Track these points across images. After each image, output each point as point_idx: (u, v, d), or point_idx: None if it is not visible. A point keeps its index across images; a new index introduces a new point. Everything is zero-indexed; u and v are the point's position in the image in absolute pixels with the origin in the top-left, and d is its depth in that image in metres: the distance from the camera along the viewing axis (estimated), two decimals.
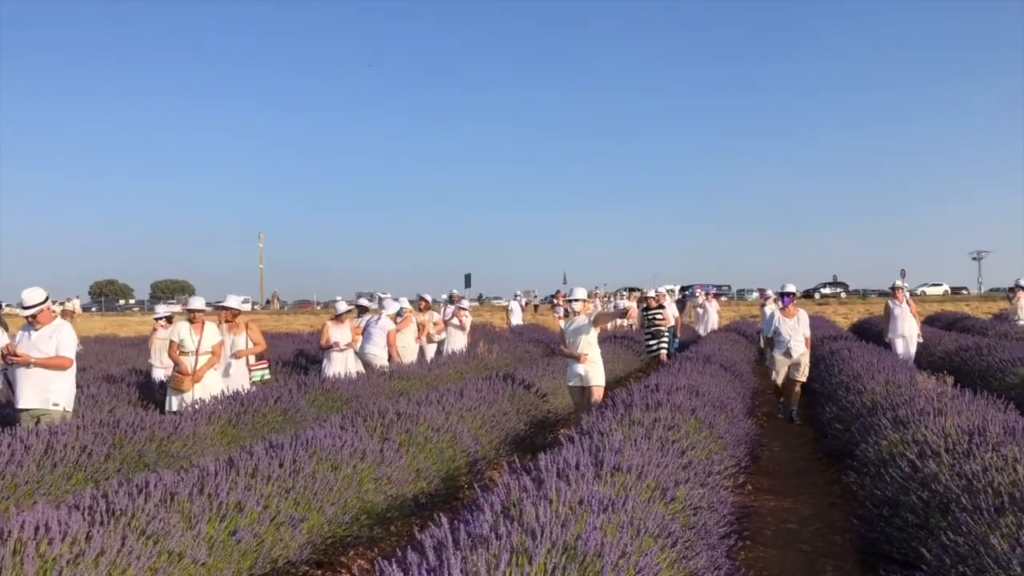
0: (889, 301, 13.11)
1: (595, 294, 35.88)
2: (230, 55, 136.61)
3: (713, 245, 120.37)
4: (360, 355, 12.27)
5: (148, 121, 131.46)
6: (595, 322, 8.39)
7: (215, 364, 8.30)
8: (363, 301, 13.10)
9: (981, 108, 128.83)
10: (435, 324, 14.33)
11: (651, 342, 14.07)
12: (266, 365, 9.77)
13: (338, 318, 11.16)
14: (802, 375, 10.38)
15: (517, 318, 23.48)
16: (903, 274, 68.10)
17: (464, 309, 15.05)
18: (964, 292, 67.29)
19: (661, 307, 14.46)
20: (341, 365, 10.78)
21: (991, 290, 64.60)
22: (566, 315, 8.74)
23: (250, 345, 9.29)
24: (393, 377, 10.67)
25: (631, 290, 37.70)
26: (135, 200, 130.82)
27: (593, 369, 8.32)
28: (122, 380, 10.23)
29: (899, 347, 12.47)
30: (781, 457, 8.18)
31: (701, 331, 24.72)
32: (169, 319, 10.74)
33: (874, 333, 19.56)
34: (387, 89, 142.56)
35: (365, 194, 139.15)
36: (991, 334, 15.04)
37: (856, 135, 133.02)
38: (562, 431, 8.82)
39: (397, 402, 7.04)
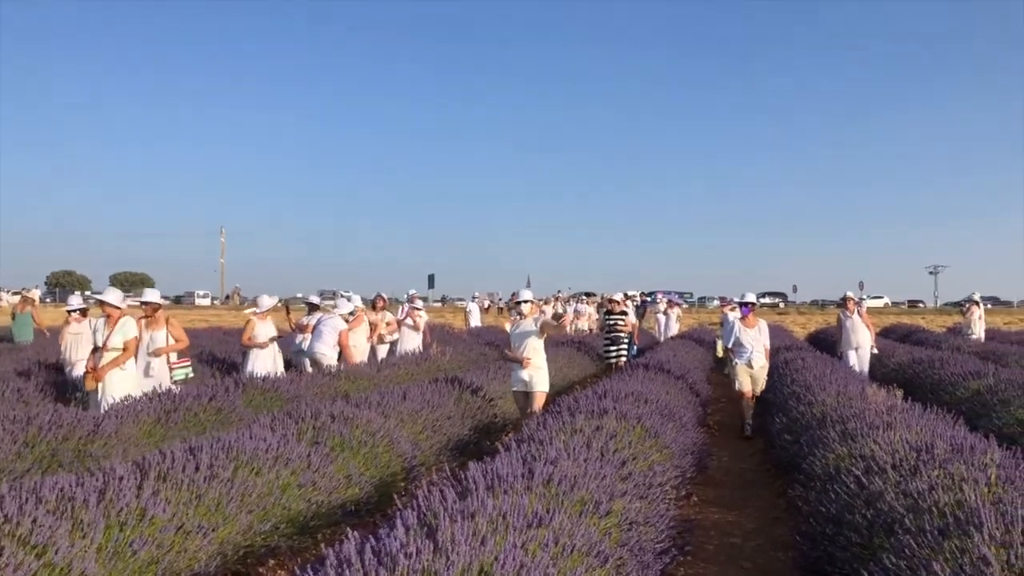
0: (840, 313, 12.91)
1: (558, 297, 35.77)
2: (193, 49, 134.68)
3: (677, 252, 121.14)
4: (309, 354, 11.94)
5: (111, 111, 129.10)
6: (541, 329, 8.17)
7: (122, 362, 7.62)
8: (313, 298, 12.74)
9: (940, 126, 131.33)
10: (388, 324, 14.01)
11: (610, 348, 13.87)
12: (188, 364, 9.24)
13: (262, 314, 10.68)
14: (759, 387, 10.14)
15: (476, 320, 23.21)
16: (862, 286, 68.85)
17: (418, 309, 14.75)
18: (921, 305, 68.41)
19: (623, 313, 14.28)
20: (264, 364, 10.29)
21: (946, 304, 65.69)
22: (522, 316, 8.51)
23: (171, 342, 8.87)
24: (339, 377, 10.36)
25: (588, 295, 37.56)
26: (96, 191, 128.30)
27: (537, 375, 8.12)
28: (45, 375, 9.80)
29: (851, 359, 12.26)
30: (730, 467, 8.02)
31: (660, 337, 24.72)
32: (84, 312, 10.29)
33: (829, 344, 19.66)
34: (352, 87, 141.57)
35: (333, 191, 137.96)
36: (944, 347, 15.12)
37: (819, 149, 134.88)
38: (509, 436, 8.62)
39: (335, 404, 6.75)
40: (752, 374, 10.04)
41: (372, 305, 14.41)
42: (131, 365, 7.80)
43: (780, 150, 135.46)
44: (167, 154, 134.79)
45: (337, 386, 9.94)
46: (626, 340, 13.88)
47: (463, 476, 4.19)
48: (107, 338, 7.57)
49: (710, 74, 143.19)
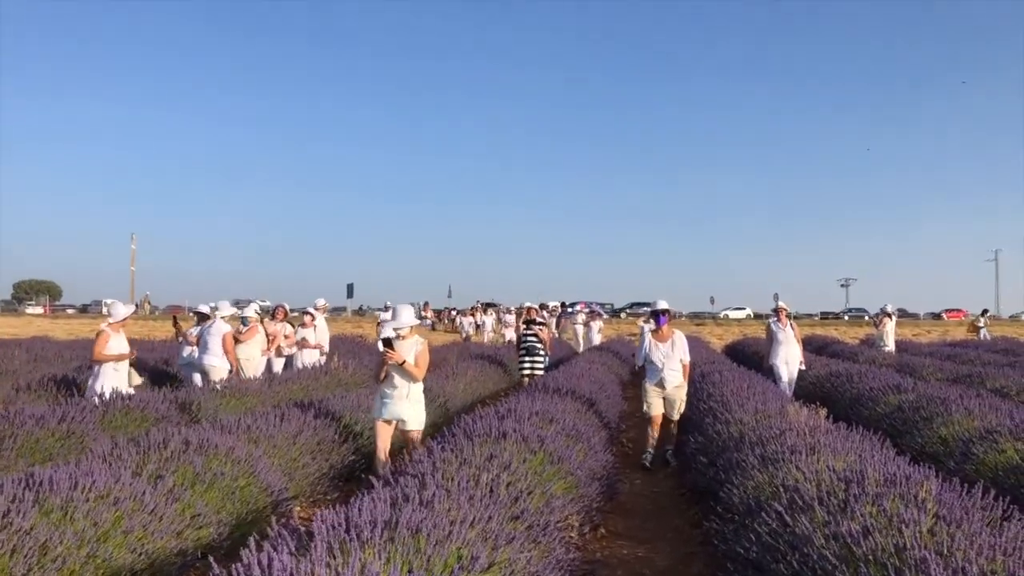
0: (771, 323, 11.99)
1: (476, 308, 35.06)
2: (103, 52, 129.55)
3: (597, 262, 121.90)
4: (198, 366, 10.97)
5: (18, 114, 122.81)
6: (417, 362, 6.76)
7: None
8: (202, 307, 11.72)
9: (851, 139, 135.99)
10: (287, 336, 13.06)
11: (524, 359, 13.23)
12: None
13: (116, 324, 9.16)
14: (677, 412, 8.67)
15: (389, 331, 22.28)
16: (776, 297, 70.04)
17: (309, 314, 13.80)
18: (832, 317, 70.08)
19: (541, 323, 13.66)
20: (113, 381, 8.88)
21: (850, 309, 67.36)
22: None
23: None
24: (226, 394, 9.42)
25: (489, 305, 36.93)
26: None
27: (413, 409, 6.78)
28: None
29: (781, 373, 11.49)
30: (642, 491, 7.42)
31: (579, 348, 24.27)
32: None
33: (747, 355, 19.50)
34: (270, 94, 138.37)
35: (250, 200, 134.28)
36: (862, 360, 14.96)
37: (732, 163, 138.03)
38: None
39: (193, 428, 5.88)
40: (666, 396, 8.61)
41: (272, 315, 13.46)
42: None
43: (698, 166, 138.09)
44: (75, 157, 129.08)
45: (225, 404, 9.02)
46: (542, 352, 13.27)
47: (325, 515, 3.42)
48: None
49: (623, 94, 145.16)
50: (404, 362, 6.64)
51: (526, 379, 12.91)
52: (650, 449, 8.57)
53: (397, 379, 6.70)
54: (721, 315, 64.21)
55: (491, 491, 4.24)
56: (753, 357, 18.50)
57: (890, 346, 18.41)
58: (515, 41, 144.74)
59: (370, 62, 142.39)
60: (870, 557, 3.16)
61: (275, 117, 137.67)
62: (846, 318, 61.68)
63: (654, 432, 8.62)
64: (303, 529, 3.29)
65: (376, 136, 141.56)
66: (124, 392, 8.47)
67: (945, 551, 3.05)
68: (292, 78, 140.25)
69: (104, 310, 11.46)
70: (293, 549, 3.03)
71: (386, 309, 23.74)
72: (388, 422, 6.74)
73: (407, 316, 7.01)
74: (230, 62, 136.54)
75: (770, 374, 11.46)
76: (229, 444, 5.58)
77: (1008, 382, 10.68)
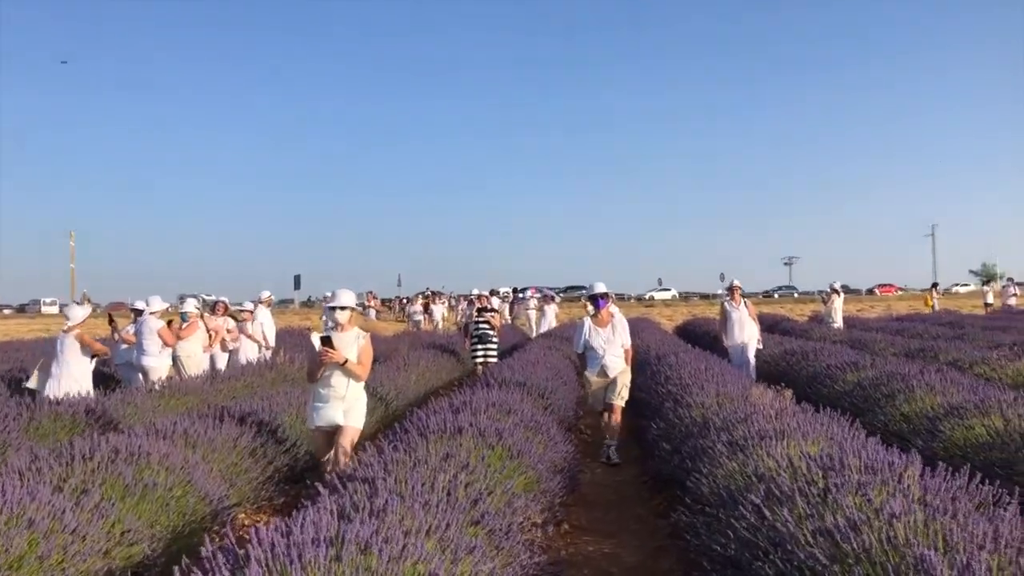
0: (725, 303, 11.58)
1: (427, 295, 34.58)
2: (32, 43, 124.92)
3: (546, 248, 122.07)
4: (137, 366, 10.44)
5: None
6: (360, 358, 6.00)
7: None
8: (139, 304, 11.13)
9: (796, 122, 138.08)
10: (230, 331, 12.53)
11: (477, 347, 12.92)
12: None
13: (73, 327, 8.67)
14: (619, 397, 8.03)
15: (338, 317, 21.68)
16: (723, 277, 70.84)
17: (250, 312, 13.27)
18: (775, 296, 71.10)
19: (492, 309, 13.34)
20: (71, 384, 8.41)
21: (780, 287, 68.40)
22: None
23: None
24: (164, 395, 8.93)
25: (434, 293, 36.38)
26: None
27: (354, 408, 6.02)
28: None
29: (737, 355, 11.18)
30: (603, 480, 7.18)
31: (533, 334, 24.01)
32: None
33: (698, 335, 19.45)
34: (211, 86, 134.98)
35: (193, 193, 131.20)
36: (816, 337, 14.96)
37: (678, 143, 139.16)
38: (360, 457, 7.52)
39: (121, 434, 5.44)
40: (608, 384, 8.05)
41: (212, 309, 12.90)
42: None
43: (643, 147, 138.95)
44: (6, 152, 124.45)
45: (163, 404, 8.54)
46: (495, 339, 12.97)
47: (263, 533, 3.06)
48: None
49: (570, 73, 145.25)
50: (346, 361, 5.87)
51: (480, 367, 12.62)
52: (610, 441, 8.00)
53: (335, 379, 5.91)
54: (647, 296, 64.56)
55: (448, 494, 3.92)
56: (705, 337, 18.46)
57: (839, 322, 18.54)
58: (446, 23, 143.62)
59: (306, 47, 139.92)
60: (863, 558, 2.93)
61: (214, 108, 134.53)
62: (776, 296, 62.47)
63: (607, 425, 8.07)
64: (240, 552, 2.93)
65: (320, 126, 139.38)
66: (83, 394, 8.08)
67: (942, 547, 2.82)
68: (230, 68, 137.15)
69: (41, 308, 10.86)
70: (227, 575, 2.68)
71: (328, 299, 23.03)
72: (324, 429, 6.00)
73: (347, 297, 6.27)
74: (166, 51, 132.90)
75: (727, 355, 11.21)
76: (163, 450, 5.16)
77: (961, 355, 10.69)
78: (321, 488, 3.96)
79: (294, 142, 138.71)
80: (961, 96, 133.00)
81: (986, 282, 35.83)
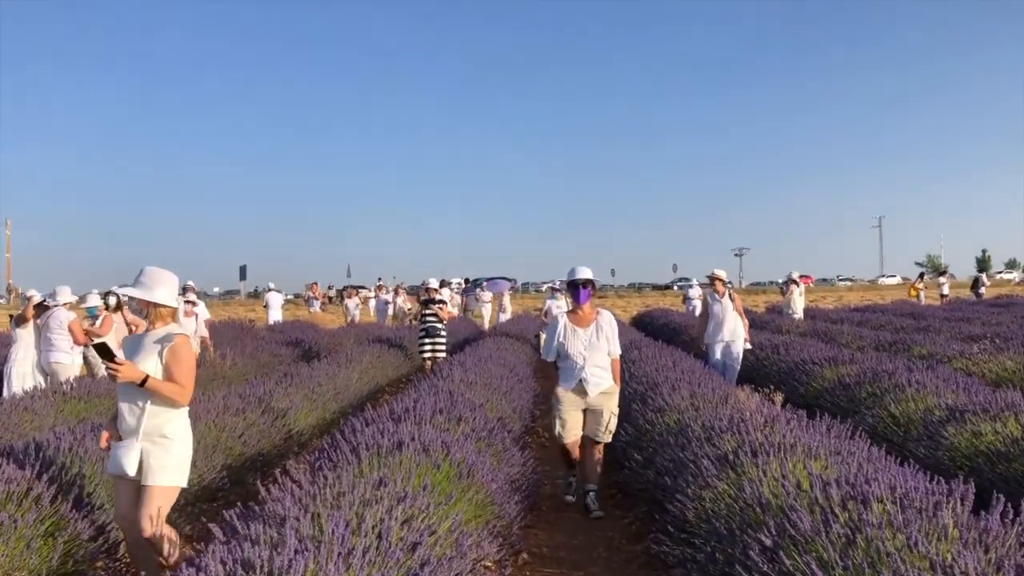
0: (707, 295, 10.01)
1: (380, 286, 33.39)
2: None
3: (500, 238, 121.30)
4: (44, 366, 9.40)
5: None
6: (170, 373, 3.83)
7: None
8: (37, 296, 9.99)
9: (745, 114, 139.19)
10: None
11: (425, 341, 12.05)
12: None
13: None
14: (606, 432, 5.85)
15: (276, 314, 20.63)
16: (675, 268, 70.85)
17: (192, 303, 12.21)
18: (730, 286, 71.31)
19: (440, 301, 12.45)
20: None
21: (678, 279, 68.33)
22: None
23: None
24: (72, 398, 7.92)
25: (355, 288, 34.30)
26: None
27: (157, 454, 3.82)
28: None
29: (719, 353, 9.65)
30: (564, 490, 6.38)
31: (486, 326, 23.19)
32: None
33: (657, 327, 18.84)
34: (158, 75, 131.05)
35: (137, 181, 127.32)
36: (781, 330, 14.37)
37: (630, 137, 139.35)
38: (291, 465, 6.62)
39: None
40: (589, 406, 5.81)
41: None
42: None
43: (595, 140, 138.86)
44: None
45: (70, 409, 7.55)
46: (443, 333, 12.12)
47: None
48: None
49: (524, 65, 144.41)
50: (146, 379, 3.74)
51: (428, 363, 11.77)
52: (571, 479, 6.11)
53: (127, 408, 3.84)
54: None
55: (380, 537, 3.09)
56: (664, 329, 17.87)
57: (799, 313, 18.11)
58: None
59: (259, 43, 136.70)
60: None
61: (162, 95, 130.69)
62: (675, 288, 62.27)
63: (574, 453, 5.95)
64: None
65: (269, 111, 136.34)
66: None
67: None
68: (175, 56, 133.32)
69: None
70: None
71: (269, 291, 21.86)
72: (123, 480, 3.88)
73: (163, 291, 3.92)
74: (101, 40, 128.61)
75: (704, 356, 9.75)
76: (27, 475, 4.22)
77: (936, 348, 10.16)
78: (217, 531, 3.08)
79: (244, 126, 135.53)
80: (909, 91, 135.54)
81: (941, 273, 36.04)
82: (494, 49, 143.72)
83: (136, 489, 3.83)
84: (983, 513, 3.04)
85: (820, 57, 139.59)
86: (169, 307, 3.94)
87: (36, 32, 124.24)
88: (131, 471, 3.78)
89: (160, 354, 3.84)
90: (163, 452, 3.81)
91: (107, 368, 3.74)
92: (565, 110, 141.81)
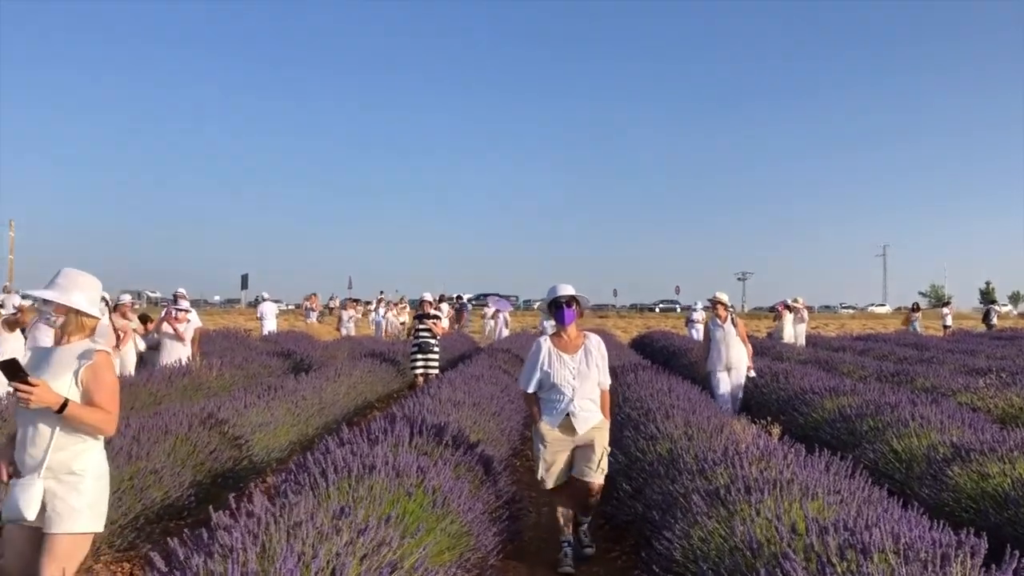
0: (709, 321, 9.64)
1: (380, 299, 33.14)
2: None
3: (503, 256, 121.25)
4: None
5: None
6: (90, 394, 3.15)
7: None
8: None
9: (753, 141, 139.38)
10: (135, 330, 11.22)
11: (417, 357, 11.82)
12: None
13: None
14: (599, 471, 5.03)
15: (271, 324, 20.37)
16: (678, 290, 70.43)
17: (183, 310, 11.94)
18: (732, 310, 71.01)
19: (435, 316, 12.23)
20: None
21: (661, 302, 68.07)
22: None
23: None
24: None
25: (355, 300, 34.17)
26: None
27: (68, 498, 3.12)
28: None
29: (723, 383, 9.28)
30: (552, 526, 6.09)
31: (484, 343, 22.95)
32: None
33: (655, 349, 18.55)
34: (166, 79, 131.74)
35: (144, 189, 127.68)
36: (777, 356, 14.09)
37: (635, 155, 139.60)
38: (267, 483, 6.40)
39: None
40: (576, 444, 5.04)
41: (114, 308, 11.53)
42: None
43: (597, 161, 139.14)
44: None
45: None
46: (437, 348, 11.89)
47: None
48: None
49: (527, 81, 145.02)
50: (66, 403, 3.03)
51: (420, 379, 11.53)
52: (567, 540, 5.12)
53: (29, 436, 3.11)
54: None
55: (334, 573, 2.82)
56: (662, 352, 17.58)
57: (798, 340, 17.79)
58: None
59: (252, 48, 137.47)
60: None
61: (165, 104, 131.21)
62: (657, 310, 61.90)
63: (566, 508, 5.16)
64: None
65: (278, 121, 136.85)
66: None
67: None
68: (174, 67, 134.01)
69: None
70: None
71: (263, 300, 21.65)
72: (19, 527, 3.13)
73: (81, 296, 3.26)
74: (103, 48, 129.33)
75: (709, 385, 9.41)
76: None
77: (940, 380, 9.86)
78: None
79: (249, 137, 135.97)
80: (920, 122, 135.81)
81: (944, 304, 35.72)
82: (502, 66, 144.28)
83: (35, 539, 3.09)
84: (993, 568, 2.79)
85: (832, 87, 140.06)
86: (92, 317, 3.27)
87: (37, 32, 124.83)
88: (30, 515, 3.04)
89: (76, 373, 3.13)
90: (72, 492, 3.09)
91: (16, 390, 2.98)
92: (571, 127, 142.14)
